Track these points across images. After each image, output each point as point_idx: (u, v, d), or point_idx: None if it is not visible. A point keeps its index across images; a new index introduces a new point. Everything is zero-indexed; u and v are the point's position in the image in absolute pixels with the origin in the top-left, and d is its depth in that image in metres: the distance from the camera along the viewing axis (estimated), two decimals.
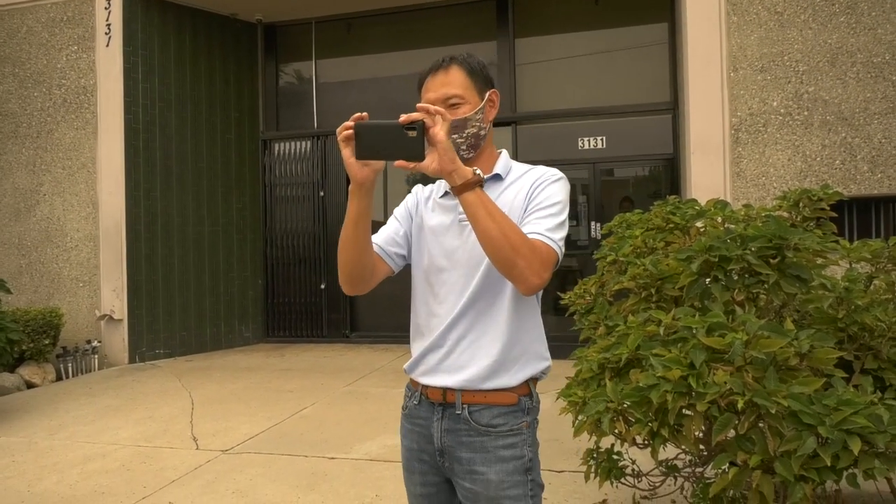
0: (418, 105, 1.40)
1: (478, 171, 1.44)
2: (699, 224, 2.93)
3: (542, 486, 1.59)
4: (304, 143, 9.02)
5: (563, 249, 1.51)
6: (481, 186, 1.41)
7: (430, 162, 1.37)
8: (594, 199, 7.99)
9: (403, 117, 1.36)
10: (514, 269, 1.40)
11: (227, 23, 8.78)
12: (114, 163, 7.69)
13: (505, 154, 1.69)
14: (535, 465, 1.58)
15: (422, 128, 1.35)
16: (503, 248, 1.38)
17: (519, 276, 1.41)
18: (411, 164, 1.37)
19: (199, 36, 8.49)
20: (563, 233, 1.51)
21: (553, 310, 8.13)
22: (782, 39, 6.15)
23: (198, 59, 8.47)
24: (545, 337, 1.65)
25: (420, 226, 1.68)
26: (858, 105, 5.99)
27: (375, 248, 1.63)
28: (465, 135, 1.57)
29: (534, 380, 1.60)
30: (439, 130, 1.36)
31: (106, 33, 7.75)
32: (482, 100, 1.59)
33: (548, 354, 1.64)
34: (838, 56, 6.03)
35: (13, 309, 7.09)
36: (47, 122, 8.06)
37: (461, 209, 1.46)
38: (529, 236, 1.44)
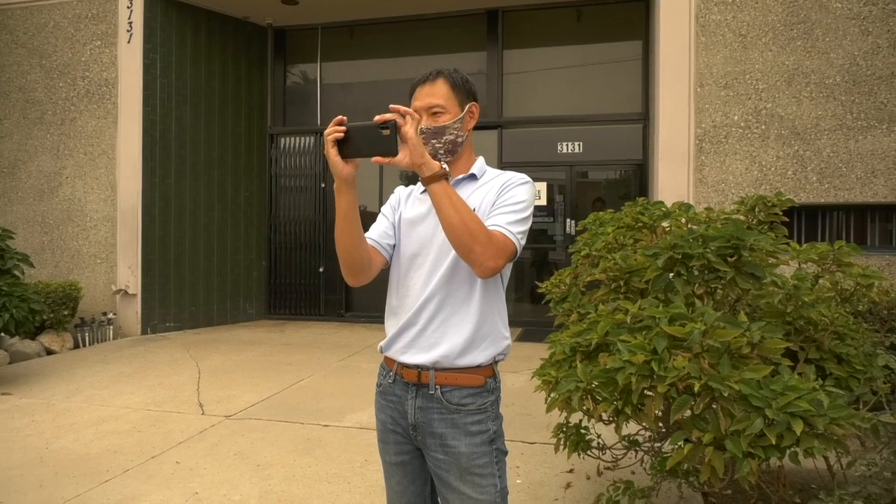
0: (391, 106, 1.41)
1: (444, 166, 1.46)
2: (665, 224, 2.93)
3: (505, 453, 1.62)
4: (307, 138, 8.94)
5: (523, 242, 1.52)
6: (447, 179, 1.43)
7: (402, 157, 1.40)
8: (570, 198, 7.99)
9: (378, 118, 1.38)
10: (472, 254, 1.42)
11: (240, 25, 8.67)
12: (132, 150, 7.59)
13: (481, 159, 1.72)
14: (499, 436, 1.61)
15: (394, 127, 1.37)
16: (462, 234, 1.40)
17: (475, 260, 1.43)
18: (386, 160, 1.40)
19: (213, 36, 8.37)
20: (524, 227, 1.53)
21: (530, 297, 8.17)
22: (745, 59, 6.17)
23: (212, 57, 8.35)
24: (507, 320, 1.68)
25: (400, 219, 1.70)
26: (810, 122, 6.03)
27: (371, 241, 1.64)
28: (443, 140, 1.59)
29: (496, 362, 1.63)
30: (409, 129, 1.38)
31: (128, 31, 7.62)
32: (462, 111, 1.61)
33: (508, 334, 1.66)
34: (794, 76, 6.06)
35: (35, 281, 7.02)
36: (71, 111, 7.93)
37: None
38: (491, 228, 1.47)
